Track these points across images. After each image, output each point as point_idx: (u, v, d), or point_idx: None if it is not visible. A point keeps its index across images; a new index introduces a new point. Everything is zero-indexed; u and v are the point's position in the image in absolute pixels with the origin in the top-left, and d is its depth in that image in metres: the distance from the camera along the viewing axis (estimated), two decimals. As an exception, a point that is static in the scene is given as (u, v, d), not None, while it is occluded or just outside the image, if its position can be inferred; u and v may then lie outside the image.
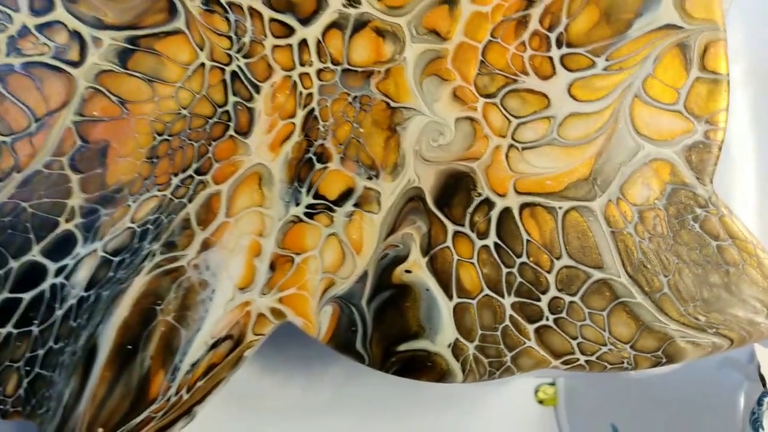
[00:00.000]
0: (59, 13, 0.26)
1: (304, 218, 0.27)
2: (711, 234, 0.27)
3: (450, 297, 0.27)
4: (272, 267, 0.27)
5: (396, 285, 0.27)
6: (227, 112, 0.27)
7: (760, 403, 0.29)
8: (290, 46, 0.27)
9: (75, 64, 0.27)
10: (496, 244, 0.27)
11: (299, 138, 0.28)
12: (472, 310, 0.26)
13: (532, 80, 0.27)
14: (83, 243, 0.27)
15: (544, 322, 0.26)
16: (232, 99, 0.27)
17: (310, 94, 0.27)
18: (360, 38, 0.27)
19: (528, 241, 0.27)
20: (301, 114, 0.27)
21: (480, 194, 0.27)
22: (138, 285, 0.26)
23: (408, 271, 0.27)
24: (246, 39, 0.27)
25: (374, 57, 0.27)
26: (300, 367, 0.35)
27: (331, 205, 0.27)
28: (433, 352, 0.26)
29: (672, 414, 0.35)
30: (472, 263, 0.27)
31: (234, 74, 0.27)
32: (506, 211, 0.27)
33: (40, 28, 0.26)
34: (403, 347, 0.26)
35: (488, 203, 0.27)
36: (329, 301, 0.27)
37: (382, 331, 0.26)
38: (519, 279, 0.27)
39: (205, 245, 0.27)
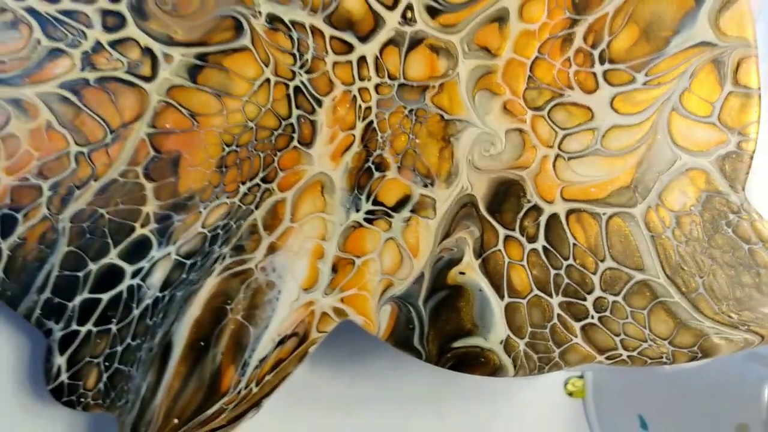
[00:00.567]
0: (131, 30, 0.28)
1: (364, 223, 0.29)
2: (743, 238, 0.28)
3: (501, 297, 0.28)
4: (334, 269, 0.28)
5: (451, 286, 0.28)
6: (291, 124, 0.29)
7: (783, 395, 0.31)
8: (350, 62, 0.29)
9: (147, 79, 0.28)
10: (544, 248, 0.28)
11: (359, 148, 0.29)
12: (522, 309, 0.28)
13: (577, 94, 0.28)
14: (158, 247, 0.28)
15: (589, 320, 0.28)
16: (295, 112, 0.29)
17: (368, 108, 0.29)
18: (415, 54, 0.29)
19: (574, 244, 0.28)
20: (360, 126, 0.29)
21: (529, 201, 0.28)
22: (209, 286, 0.28)
23: (462, 273, 0.28)
24: (308, 56, 0.28)
25: (429, 72, 0.29)
26: (346, 362, 0.37)
27: (389, 211, 0.29)
28: (486, 348, 0.27)
29: (697, 405, 0.36)
30: (522, 265, 0.28)
31: (297, 89, 0.29)
32: (554, 217, 0.28)
33: (113, 44, 0.28)
34: (457, 344, 0.28)
35: (537, 209, 0.28)
36: (388, 301, 0.28)
37: (437, 329, 0.28)
38: (566, 280, 0.28)
39: (272, 249, 0.28)
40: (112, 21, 0.28)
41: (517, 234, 0.28)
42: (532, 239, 0.28)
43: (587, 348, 0.27)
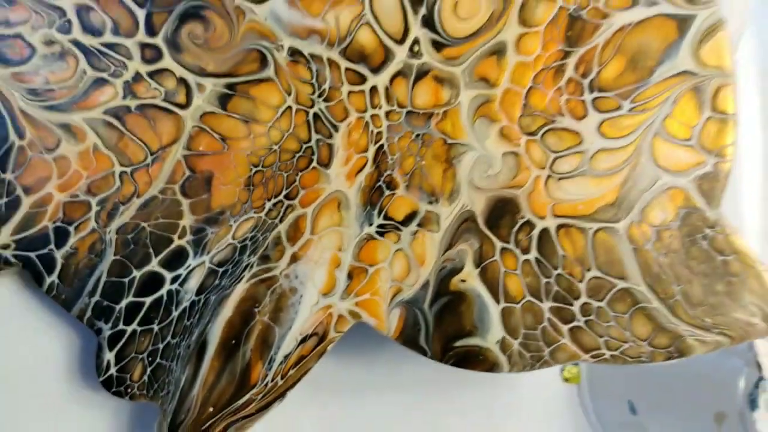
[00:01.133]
0: (167, 62, 0.30)
1: (376, 236, 0.31)
2: (718, 250, 0.30)
3: (498, 302, 0.30)
4: (350, 276, 0.30)
5: (453, 292, 0.30)
6: (311, 147, 0.31)
7: (756, 386, 0.32)
8: (363, 91, 0.31)
9: (182, 107, 0.30)
10: (536, 259, 0.30)
11: (371, 169, 0.31)
12: (516, 313, 0.30)
13: (568, 120, 0.30)
14: (194, 256, 0.30)
15: (576, 323, 0.29)
16: (314, 136, 0.31)
17: (380, 132, 0.31)
18: (422, 85, 0.31)
19: (563, 256, 0.30)
20: (372, 149, 0.31)
21: (523, 217, 0.30)
22: (239, 291, 0.30)
23: (463, 281, 0.30)
24: (326, 86, 0.31)
25: (434, 101, 0.31)
26: (358, 350, 0.39)
27: (399, 225, 0.30)
28: (484, 347, 0.29)
29: (680, 394, 0.37)
30: (517, 274, 0.30)
31: (316, 115, 0.31)
32: (545, 231, 0.30)
33: (152, 74, 0.30)
34: (458, 343, 0.29)
35: (530, 224, 0.30)
36: (397, 305, 0.30)
37: (441, 330, 0.30)
38: (556, 287, 0.30)
39: (294, 258, 0.30)
40: (150, 53, 0.30)
41: (512, 246, 0.30)
42: (525, 251, 0.30)
43: (574, 348, 0.29)
